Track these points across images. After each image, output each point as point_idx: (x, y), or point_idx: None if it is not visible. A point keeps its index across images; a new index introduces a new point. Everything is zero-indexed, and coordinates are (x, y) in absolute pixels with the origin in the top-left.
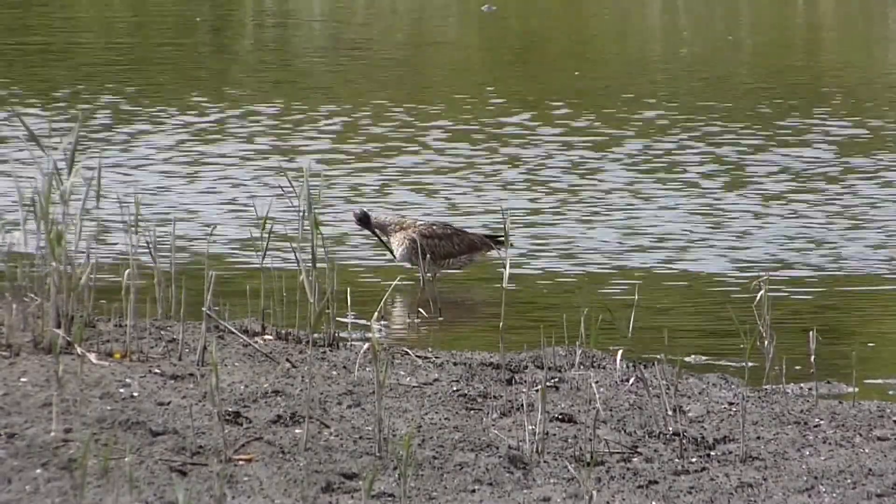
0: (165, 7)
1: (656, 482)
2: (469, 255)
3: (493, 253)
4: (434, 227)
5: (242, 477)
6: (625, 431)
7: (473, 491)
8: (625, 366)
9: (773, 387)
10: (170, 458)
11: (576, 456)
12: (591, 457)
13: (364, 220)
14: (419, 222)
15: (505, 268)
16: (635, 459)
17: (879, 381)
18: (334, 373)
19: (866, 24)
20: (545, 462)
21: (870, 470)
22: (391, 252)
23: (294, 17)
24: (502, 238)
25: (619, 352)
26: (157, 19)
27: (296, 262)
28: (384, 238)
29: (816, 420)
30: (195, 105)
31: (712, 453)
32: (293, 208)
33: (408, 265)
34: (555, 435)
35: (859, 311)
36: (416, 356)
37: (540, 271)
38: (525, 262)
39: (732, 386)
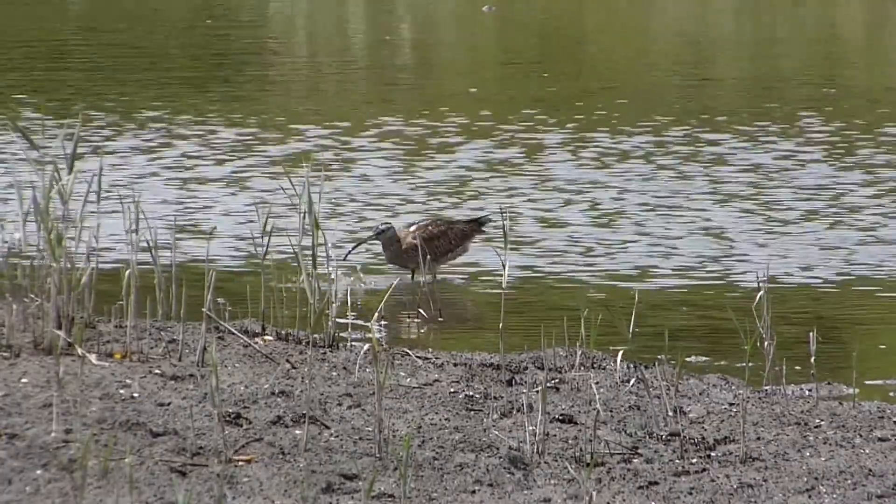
0: (175, 8)
1: (657, 483)
2: (463, 244)
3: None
4: (430, 228)
5: (242, 478)
6: (625, 432)
7: (474, 492)
8: (625, 366)
9: (774, 388)
10: (170, 459)
11: (576, 457)
12: (592, 458)
13: (382, 235)
14: (412, 226)
15: (504, 269)
16: (636, 460)
17: (880, 381)
18: (334, 374)
19: (876, 29)
20: (545, 463)
21: (870, 471)
22: (346, 255)
23: (292, 20)
24: (484, 218)
25: (620, 352)
26: (164, 19)
27: (296, 263)
28: (361, 243)
29: (817, 421)
30: (197, 106)
31: (713, 454)
32: (294, 209)
33: (399, 268)
34: (555, 436)
35: (859, 312)
36: (417, 357)
37: (540, 272)
38: (525, 262)
39: (733, 386)
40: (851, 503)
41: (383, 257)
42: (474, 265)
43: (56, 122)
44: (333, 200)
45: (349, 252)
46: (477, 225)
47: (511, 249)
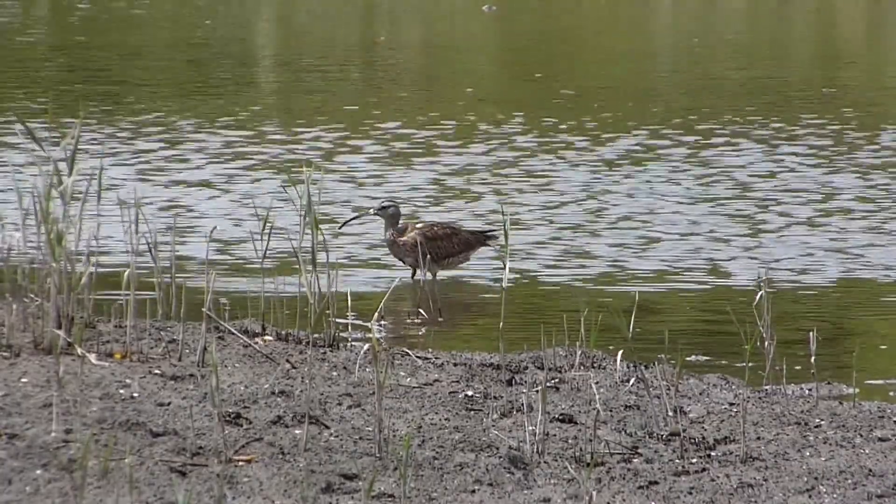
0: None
1: (657, 483)
2: (465, 253)
3: (486, 249)
4: (435, 228)
5: (242, 478)
6: (625, 432)
7: (474, 491)
8: (625, 366)
9: (774, 387)
10: (170, 459)
11: (576, 456)
12: (592, 457)
13: (383, 211)
14: (418, 224)
15: (504, 269)
16: (635, 460)
17: (880, 381)
18: (334, 373)
19: (876, 29)
20: (545, 463)
21: (870, 471)
22: (342, 225)
23: (291, 19)
24: (490, 233)
25: (620, 352)
26: (163, 20)
27: (296, 263)
28: (356, 216)
29: (817, 421)
30: (197, 107)
31: (713, 454)
32: (294, 209)
33: (400, 263)
34: (555, 435)
35: (859, 312)
36: (417, 357)
37: (540, 272)
38: (525, 263)
39: (733, 386)
40: (851, 503)
41: (384, 257)
42: (474, 266)
43: (56, 123)
44: (329, 202)
45: (345, 223)
46: (483, 238)
47: (511, 250)
